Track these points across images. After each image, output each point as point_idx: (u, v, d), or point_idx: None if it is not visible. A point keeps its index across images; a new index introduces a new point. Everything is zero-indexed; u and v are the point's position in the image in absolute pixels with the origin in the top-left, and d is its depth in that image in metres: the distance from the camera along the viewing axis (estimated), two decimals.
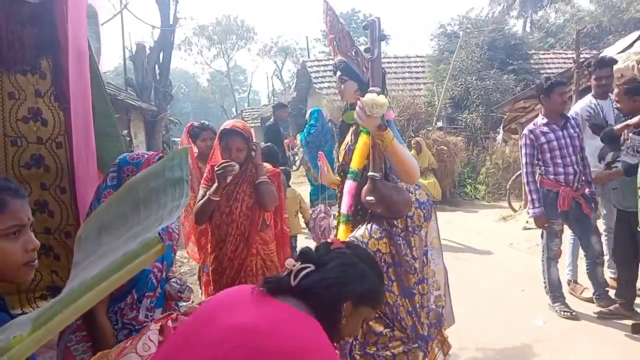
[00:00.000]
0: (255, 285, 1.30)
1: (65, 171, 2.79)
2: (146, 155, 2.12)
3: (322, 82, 15.18)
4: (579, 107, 4.29)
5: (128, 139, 8.46)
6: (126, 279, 0.49)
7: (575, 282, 4.58)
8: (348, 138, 2.33)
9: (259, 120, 23.93)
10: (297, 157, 15.39)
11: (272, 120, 8.28)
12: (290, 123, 21.13)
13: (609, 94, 4.42)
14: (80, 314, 0.49)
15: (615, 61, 5.01)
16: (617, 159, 4.37)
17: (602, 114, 4.36)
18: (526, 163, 4.18)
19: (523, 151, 4.22)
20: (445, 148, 9.98)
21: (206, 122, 4.18)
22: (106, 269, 0.50)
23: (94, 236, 0.63)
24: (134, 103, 10.09)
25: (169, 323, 1.49)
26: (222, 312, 1.22)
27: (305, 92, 17.92)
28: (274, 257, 3.04)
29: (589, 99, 4.43)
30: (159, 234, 0.80)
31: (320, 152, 2.76)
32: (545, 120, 4.12)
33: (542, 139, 4.08)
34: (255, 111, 28.30)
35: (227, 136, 2.86)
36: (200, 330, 1.18)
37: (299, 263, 1.30)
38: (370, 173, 2.01)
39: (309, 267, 1.28)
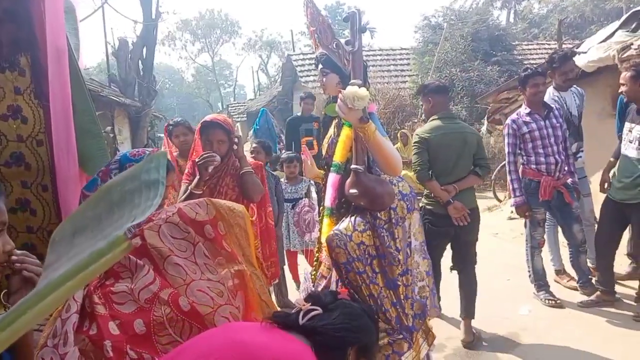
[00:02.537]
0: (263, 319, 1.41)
1: (46, 169, 2.75)
2: (147, 151, 2.10)
3: (307, 76, 15.13)
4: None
5: (112, 135, 8.38)
6: (92, 278, 0.48)
7: (564, 271, 4.63)
8: (331, 131, 2.33)
9: (245, 115, 23.84)
10: (282, 152, 15.39)
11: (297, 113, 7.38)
12: (275, 117, 21.09)
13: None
14: (47, 314, 0.49)
15: (575, 53, 5.10)
16: (581, 149, 4.50)
17: (566, 105, 4.41)
18: (508, 153, 4.23)
19: (505, 141, 4.26)
20: None
21: (179, 119, 4.14)
22: (72, 269, 0.49)
23: (68, 238, 0.62)
24: (117, 99, 9.99)
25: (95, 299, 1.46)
26: (231, 331, 1.35)
27: (291, 86, 17.85)
28: (258, 253, 3.04)
29: (550, 92, 4.47)
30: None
31: (303, 146, 2.75)
32: (527, 110, 4.16)
33: (524, 129, 4.12)
34: (241, 105, 28.14)
35: (207, 129, 2.85)
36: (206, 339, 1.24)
37: (309, 304, 1.43)
38: (353, 166, 2.01)
39: (317, 309, 1.41)
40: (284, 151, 6.27)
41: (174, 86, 52.76)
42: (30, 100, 2.75)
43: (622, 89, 3.87)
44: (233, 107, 28.54)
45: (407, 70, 15.34)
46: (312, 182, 4.78)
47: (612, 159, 4.16)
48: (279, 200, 4.49)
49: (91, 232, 0.59)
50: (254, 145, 4.64)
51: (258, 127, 8.62)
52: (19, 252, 1.35)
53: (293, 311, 1.44)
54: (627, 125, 3.87)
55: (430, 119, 3.72)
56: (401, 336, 2.01)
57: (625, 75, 3.82)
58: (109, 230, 0.55)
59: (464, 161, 3.62)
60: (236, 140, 2.92)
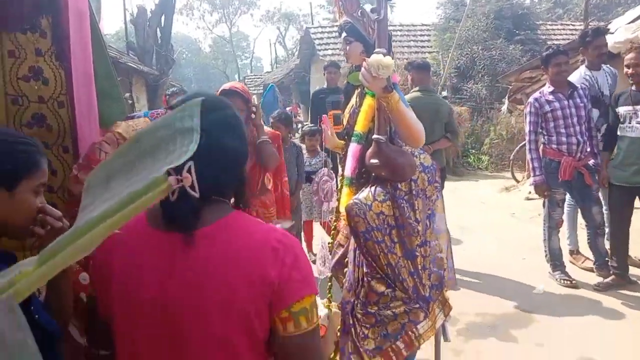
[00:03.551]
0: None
1: (67, 130, 2.77)
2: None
3: (325, 49, 14.96)
4: (573, 79, 4.24)
5: (130, 102, 8.41)
6: (130, 218, 0.48)
7: (578, 252, 4.61)
8: (353, 101, 2.30)
9: (262, 88, 23.75)
10: (299, 126, 15.34)
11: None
12: (292, 90, 20.96)
13: (602, 65, 4.39)
14: (86, 251, 0.49)
15: (607, 30, 4.97)
16: None
17: (597, 85, 4.33)
18: (529, 131, 4.18)
19: (527, 119, 4.21)
20: None
21: (175, 88, 4.13)
22: (111, 208, 0.49)
23: (102, 183, 0.62)
24: (135, 67, 10.00)
25: None
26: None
27: (308, 60, 17.68)
28: (274, 220, 3.06)
29: (582, 71, 4.38)
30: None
31: (324, 115, 2.73)
32: (551, 89, 4.09)
33: (547, 108, 4.06)
34: (258, 78, 28.02)
35: (226, 97, 2.84)
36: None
37: None
38: (375, 136, 1.99)
39: None
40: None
41: (191, 56, 52.57)
42: (52, 62, 2.76)
43: (628, 70, 3.81)
44: (250, 79, 28.41)
45: (428, 47, 15.09)
46: (328, 157, 4.79)
47: (605, 152, 4.11)
48: (299, 170, 4.54)
49: (125, 177, 0.59)
50: (273, 119, 4.63)
51: (264, 100, 8.75)
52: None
53: None
54: (627, 108, 3.84)
55: (412, 91, 4.55)
56: (418, 306, 2.01)
57: (631, 55, 3.78)
58: (145, 174, 0.55)
59: (437, 127, 4.40)
60: (254, 109, 2.91)
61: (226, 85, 2.98)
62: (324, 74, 6.55)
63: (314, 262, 4.44)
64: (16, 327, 0.47)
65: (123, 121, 2.16)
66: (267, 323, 1.03)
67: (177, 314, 1.00)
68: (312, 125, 5.42)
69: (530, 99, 4.23)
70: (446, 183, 4.71)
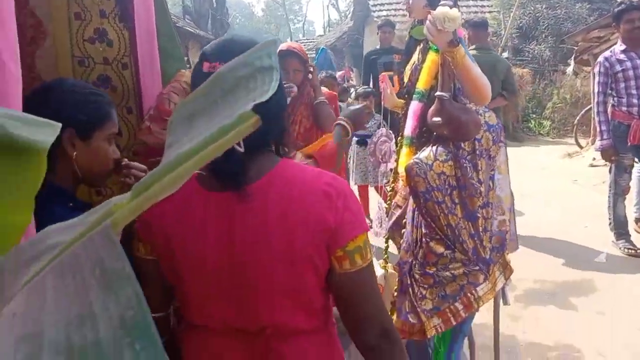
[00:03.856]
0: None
1: (131, 92, 2.85)
2: None
3: (380, 10, 14.54)
4: None
5: (188, 66, 8.55)
6: (221, 151, 0.49)
7: None
8: (415, 57, 2.24)
9: (314, 52, 23.52)
10: (352, 90, 15.20)
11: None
12: (345, 54, 20.65)
13: None
14: (177, 184, 0.50)
15: None
16: None
17: None
18: (598, 92, 3.97)
19: (596, 79, 4.00)
20: None
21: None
22: (202, 142, 0.50)
23: (186, 121, 0.64)
24: (192, 31, 10.12)
25: None
26: None
27: (362, 22, 17.30)
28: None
29: None
30: None
31: (383, 74, 2.68)
32: (622, 48, 3.86)
33: (617, 67, 3.84)
34: (310, 41, 27.76)
35: (283, 58, 2.83)
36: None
37: None
38: (438, 93, 1.93)
39: None
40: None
41: (244, 21, 52.63)
42: (115, 24, 2.82)
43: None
44: (302, 43, 28.03)
45: (488, 5, 14.42)
46: (382, 120, 4.72)
47: None
48: None
49: (209, 116, 0.60)
50: (323, 76, 4.60)
51: (316, 63, 8.50)
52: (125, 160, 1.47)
53: None
54: None
55: (469, 49, 4.14)
56: (477, 268, 1.98)
57: None
58: (229, 112, 0.55)
59: (494, 85, 4.01)
60: (311, 69, 2.90)
61: (283, 46, 2.97)
62: (378, 34, 6.33)
63: (371, 226, 4.45)
64: (115, 256, 0.49)
65: (187, 70, 2.19)
66: (327, 263, 1.07)
67: (243, 268, 1.04)
68: (365, 87, 5.34)
69: (600, 58, 4.01)
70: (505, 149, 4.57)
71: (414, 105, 2.15)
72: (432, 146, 2.01)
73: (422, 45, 2.18)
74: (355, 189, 4.85)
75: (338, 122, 2.11)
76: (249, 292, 1.06)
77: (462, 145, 1.97)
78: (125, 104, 2.95)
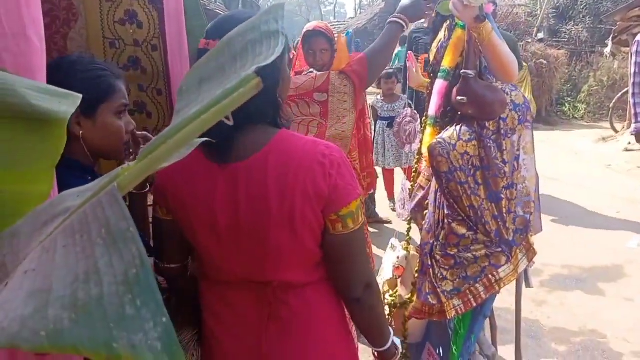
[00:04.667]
0: None
1: (160, 73, 2.89)
2: None
3: None
4: None
5: None
6: (223, 114, 0.50)
7: None
8: (441, 35, 2.19)
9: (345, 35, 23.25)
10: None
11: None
12: (376, 36, 20.41)
13: None
14: (183, 145, 0.52)
15: None
16: None
17: None
18: (635, 73, 3.82)
19: (633, 59, 3.84)
20: (544, 62, 9.25)
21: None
22: (205, 105, 0.51)
23: (195, 86, 0.65)
24: (222, 14, 10.13)
25: None
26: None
27: (394, 3, 16.98)
28: (356, 165, 3.05)
29: None
30: None
31: (409, 52, 2.64)
32: None
33: None
34: (342, 24, 27.50)
35: (310, 38, 2.82)
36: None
37: None
38: (463, 71, 1.89)
39: None
40: None
41: (275, 3, 52.43)
42: (145, 5, 2.85)
43: None
44: (333, 26, 27.84)
45: None
46: (409, 101, 4.66)
47: None
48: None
49: (217, 80, 0.61)
50: None
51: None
52: (139, 133, 1.48)
53: None
54: None
55: None
56: (500, 249, 1.96)
57: None
58: (235, 77, 0.56)
59: None
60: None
61: (310, 26, 2.95)
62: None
63: (393, 209, 4.42)
64: (121, 216, 0.51)
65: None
66: (323, 225, 1.18)
67: (250, 232, 1.16)
68: (388, 67, 5.23)
69: (638, 37, 3.85)
70: (537, 133, 4.47)
71: (439, 84, 2.11)
72: (456, 125, 1.98)
73: (448, 22, 2.13)
74: (379, 171, 4.82)
75: (391, 19, 2.08)
76: (255, 252, 1.18)
77: (487, 124, 1.93)
78: (155, 85, 2.99)
